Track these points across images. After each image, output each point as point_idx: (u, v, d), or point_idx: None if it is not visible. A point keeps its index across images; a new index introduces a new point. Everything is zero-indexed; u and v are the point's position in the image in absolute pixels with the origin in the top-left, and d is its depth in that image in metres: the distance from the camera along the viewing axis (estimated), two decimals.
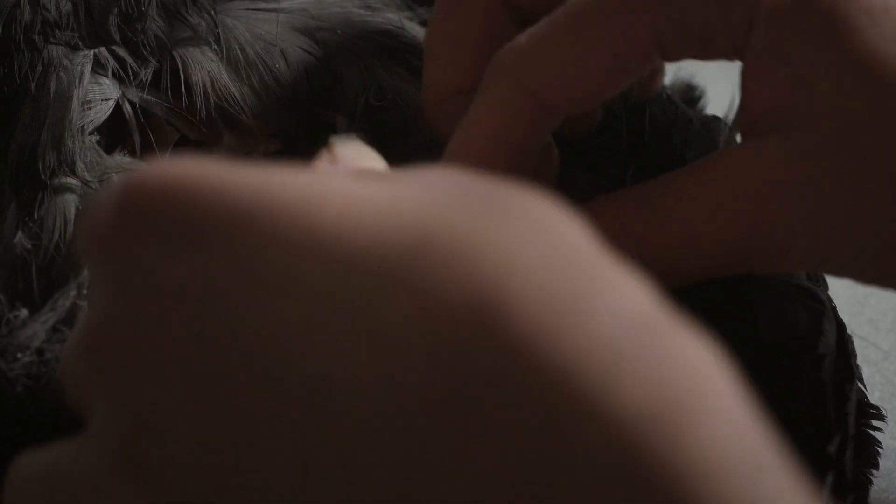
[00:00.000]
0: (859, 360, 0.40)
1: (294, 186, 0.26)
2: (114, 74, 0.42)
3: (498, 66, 0.36)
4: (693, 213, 0.34)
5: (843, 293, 0.46)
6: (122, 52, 0.42)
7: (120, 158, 0.41)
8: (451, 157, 0.37)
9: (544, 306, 0.24)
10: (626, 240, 0.34)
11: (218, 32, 0.43)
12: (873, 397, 0.45)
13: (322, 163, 0.32)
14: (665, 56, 0.35)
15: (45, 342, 0.37)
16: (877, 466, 0.39)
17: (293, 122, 0.43)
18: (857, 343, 0.40)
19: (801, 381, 0.37)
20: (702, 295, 0.34)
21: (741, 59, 0.35)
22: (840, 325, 0.39)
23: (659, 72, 0.42)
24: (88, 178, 0.40)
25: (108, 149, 0.42)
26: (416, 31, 0.51)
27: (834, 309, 0.39)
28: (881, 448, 0.39)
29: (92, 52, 0.42)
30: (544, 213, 0.26)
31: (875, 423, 0.40)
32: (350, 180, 0.27)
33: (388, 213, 0.25)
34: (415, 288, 0.24)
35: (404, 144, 0.44)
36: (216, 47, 0.43)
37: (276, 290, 0.25)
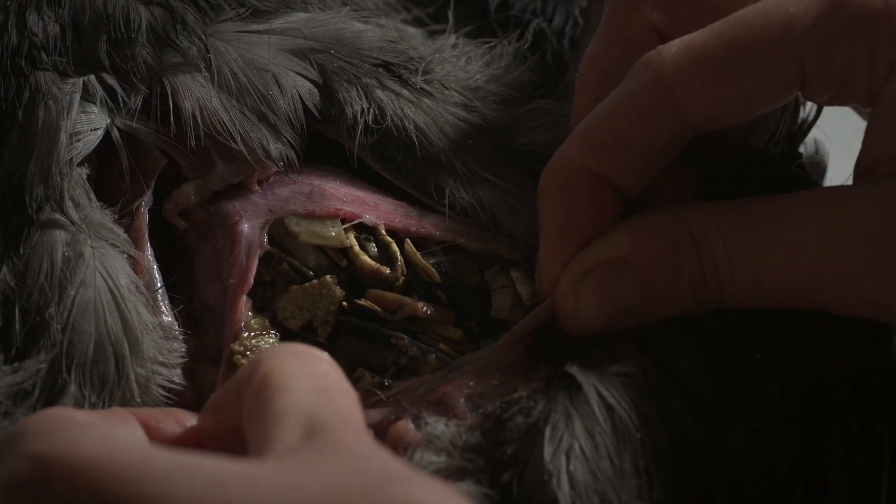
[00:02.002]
0: None
1: (197, 486, 0.28)
2: (102, 102, 0.41)
3: (645, 61, 0.37)
4: (785, 251, 0.36)
5: None
6: (111, 79, 0.41)
7: (105, 217, 0.40)
8: (580, 134, 0.37)
9: None
10: (721, 251, 0.36)
11: (209, 58, 0.42)
12: None
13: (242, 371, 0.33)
14: (804, 93, 0.36)
15: None
16: None
17: (290, 146, 0.43)
18: None
19: None
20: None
21: (873, 106, 0.36)
22: None
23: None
24: (76, 220, 0.40)
25: (97, 179, 0.42)
26: (410, 33, 0.50)
27: None
28: None
29: (81, 80, 0.41)
30: None
31: None
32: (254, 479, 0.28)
33: None
34: None
35: (412, 159, 0.44)
36: (206, 74, 0.42)
37: None
